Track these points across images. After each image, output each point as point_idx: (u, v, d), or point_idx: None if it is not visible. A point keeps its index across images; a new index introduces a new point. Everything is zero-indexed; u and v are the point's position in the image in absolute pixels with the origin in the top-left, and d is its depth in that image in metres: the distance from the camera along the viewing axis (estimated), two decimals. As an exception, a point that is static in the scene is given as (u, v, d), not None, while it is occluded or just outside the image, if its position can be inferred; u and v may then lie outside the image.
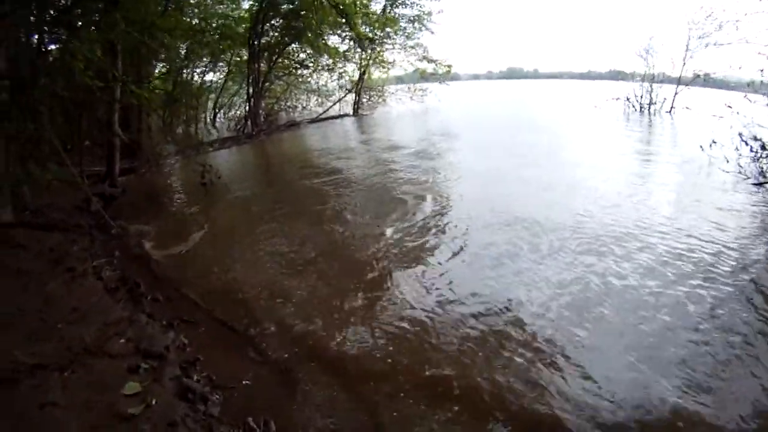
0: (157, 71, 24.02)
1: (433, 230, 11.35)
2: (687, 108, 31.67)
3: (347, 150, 23.66)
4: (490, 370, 6.75)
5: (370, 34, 32.80)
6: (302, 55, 32.65)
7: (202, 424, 5.90)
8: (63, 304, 8.48)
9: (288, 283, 9.57)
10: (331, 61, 34.38)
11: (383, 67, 38.51)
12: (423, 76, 41.43)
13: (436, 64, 38.75)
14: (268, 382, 6.92)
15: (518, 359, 6.93)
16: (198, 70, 27.76)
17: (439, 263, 9.53)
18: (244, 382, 6.88)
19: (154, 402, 6.04)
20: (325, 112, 35.97)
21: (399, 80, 44.89)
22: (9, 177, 11.55)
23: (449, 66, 39.36)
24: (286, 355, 7.50)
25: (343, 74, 36.89)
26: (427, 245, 10.49)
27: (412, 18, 36.29)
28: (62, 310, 8.25)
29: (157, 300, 9.12)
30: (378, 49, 36.54)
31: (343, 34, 32.38)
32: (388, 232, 11.51)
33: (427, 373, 6.88)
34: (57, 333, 7.50)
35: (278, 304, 8.91)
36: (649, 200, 12.97)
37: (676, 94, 33.33)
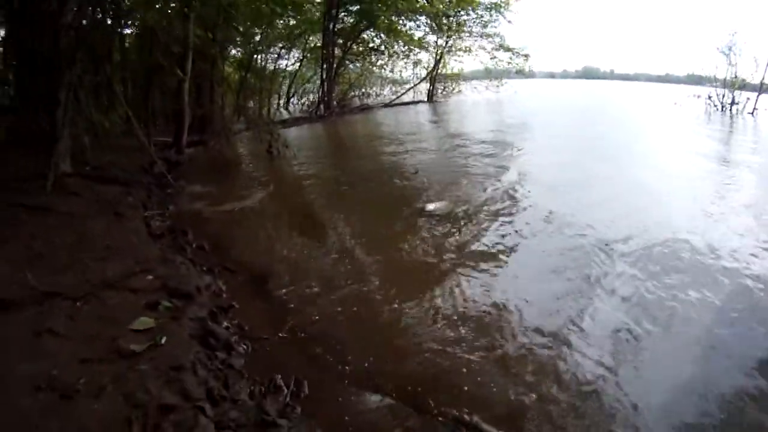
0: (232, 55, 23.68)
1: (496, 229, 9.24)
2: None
3: (418, 132, 22.44)
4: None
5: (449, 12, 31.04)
6: (377, 41, 31.68)
7: (215, 373, 4.68)
8: (98, 242, 7.67)
9: (336, 254, 8.30)
10: (405, 47, 32.82)
11: (459, 56, 36.22)
12: (499, 71, 39.50)
13: (513, 53, 36.07)
14: (305, 340, 5.71)
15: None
16: (272, 57, 26.79)
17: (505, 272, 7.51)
18: (279, 335, 5.52)
19: (163, 341, 4.87)
20: (398, 97, 34.73)
21: (474, 75, 42.33)
22: (69, 123, 10.88)
23: (526, 56, 36.62)
24: (328, 315, 6.29)
25: (418, 62, 35.17)
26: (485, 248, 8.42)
27: (489, 5, 34.04)
28: (95, 247, 7.44)
29: (203, 248, 8.23)
30: (454, 35, 34.40)
31: (418, 22, 30.89)
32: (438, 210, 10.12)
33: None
34: (82, 266, 6.64)
35: (323, 267, 7.79)
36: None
37: (759, 94, 30.30)
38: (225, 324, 5.73)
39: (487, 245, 8.38)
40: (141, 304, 5.66)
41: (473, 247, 8.33)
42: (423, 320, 6.07)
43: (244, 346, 5.34)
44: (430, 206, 10.35)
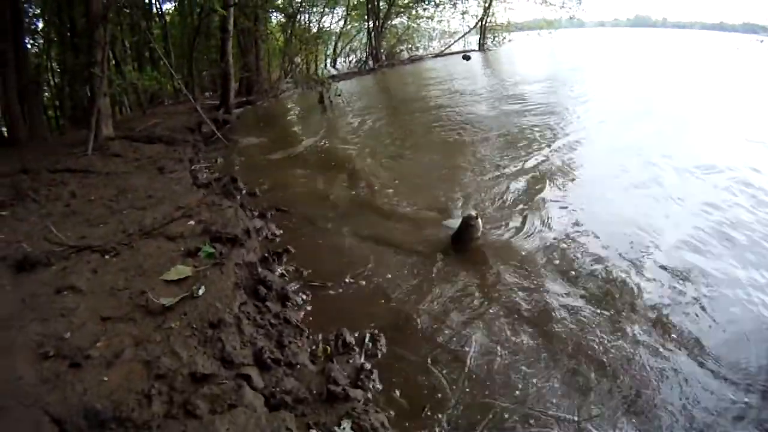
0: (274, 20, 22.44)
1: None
2: None
3: (468, 78, 20.41)
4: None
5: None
6: (422, -10, 29.37)
7: (266, 331, 3.41)
8: (138, 194, 6.71)
9: (393, 196, 6.93)
10: (454, -6, 30.53)
11: (509, 2, 33.20)
12: (548, 20, 36.54)
13: None
14: (377, 286, 4.42)
15: None
16: (314, 18, 25.13)
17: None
18: (346, 280, 4.21)
19: (201, 292, 3.62)
20: (448, 47, 32.59)
21: (525, 25, 39.11)
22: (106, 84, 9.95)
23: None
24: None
25: (466, 12, 32.56)
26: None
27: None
28: (136, 198, 6.53)
29: (253, 194, 7.15)
30: None
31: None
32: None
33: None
34: (119, 217, 5.72)
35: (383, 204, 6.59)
36: None
37: None
38: (279, 270, 4.52)
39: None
40: (179, 252, 4.55)
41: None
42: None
43: (303, 296, 4.12)
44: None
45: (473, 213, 4.94)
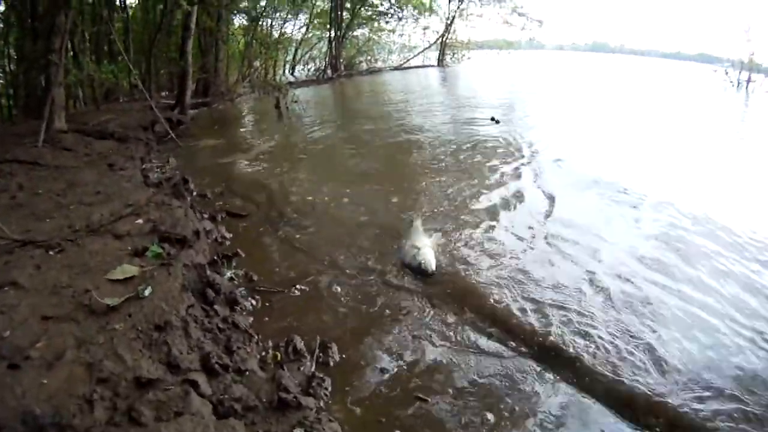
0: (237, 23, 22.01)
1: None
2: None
3: (425, 91, 21.05)
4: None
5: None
6: (385, 4, 29.76)
7: (214, 335, 3.27)
8: (87, 190, 6.42)
9: (343, 195, 7.07)
10: (415, 11, 30.69)
11: (470, 21, 33.49)
12: (509, 41, 37.20)
13: (527, 19, 33.64)
14: (329, 292, 4.37)
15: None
16: (277, 23, 24.86)
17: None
18: (298, 288, 4.14)
19: (147, 292, 3.45)
20: (407, 61, 32.83)
21: (485, 44, 39.55)
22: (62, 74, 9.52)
23: (540, 22, 34.11)
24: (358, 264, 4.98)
25: (427, 27, 32.87)
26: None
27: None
28: (84, 193, 6.25)
29: (204, 196, 7.02)
30: None
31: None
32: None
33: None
34: (66, 212, 5.47)
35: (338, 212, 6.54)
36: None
37: None
38: (228, 274, 4.40)
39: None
40: (126, 251, 4.36)
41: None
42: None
43: (253, 301, 4.04)
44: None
45: (429, 266, 4.70)
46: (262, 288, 4.26)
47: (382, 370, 3.34)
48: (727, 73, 28.22)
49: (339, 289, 4.38)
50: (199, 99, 15.89)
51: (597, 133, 11.72)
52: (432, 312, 4.12)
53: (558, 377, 3.36)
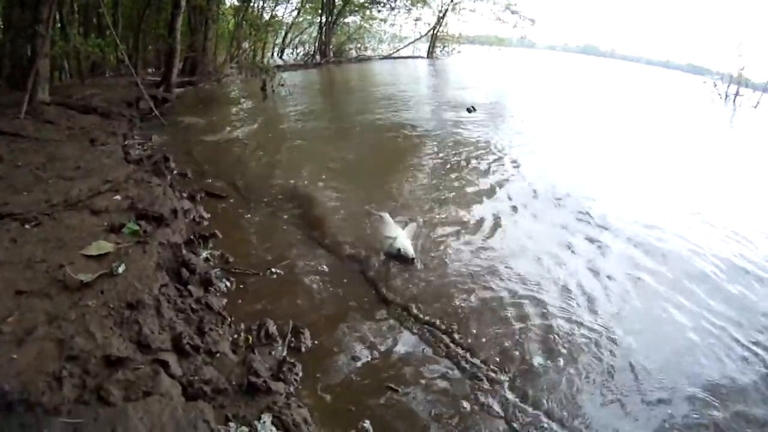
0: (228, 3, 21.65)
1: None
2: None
3: (413, 82, 20.90)
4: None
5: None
6: (378, -9, 29.43)
7: (187, 316, 3.27)
8: (67, 164, 6.31)
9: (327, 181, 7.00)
10: (408, 2, 30.46)
11: (462, 15, 33.14)
12: (500, 38, 37.15)
13: (520, 17, 33.54)
14: (304, 277, 4.34)
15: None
16: (268, 5, 24.51)
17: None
18: (273, 271, 4.12)
19: (120, 269, 3.40)
20: (397, 51, 32.78)
21: (475, 39, 39.28)
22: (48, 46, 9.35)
23: (532, 20, 33.89)
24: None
25: (419, 19, 32.60)
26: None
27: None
28: (64, 167, 6.14)
29: (184, 175, 6.89)
30: None
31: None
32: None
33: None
34: (45, 186, 5.36)
35: (319, 195, 6.47)
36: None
37: (764, 91, 28.41)
38: (204, 255, 4.36)
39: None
40: (102, 227, 4.30)
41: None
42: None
43: (227, 283, 4.00)
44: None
45: (409, 252, 4.69)
46: (237, 270, 4.22)
47: (354, 358, 3.33)
48: (715, 86, 28.39)
49: (315, 274, 4.36)
50: (185, 78, 15.61)
51: (579, 141, 11.55)
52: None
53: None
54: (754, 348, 3.92)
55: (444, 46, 34.19)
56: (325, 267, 4.51)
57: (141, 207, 4.71)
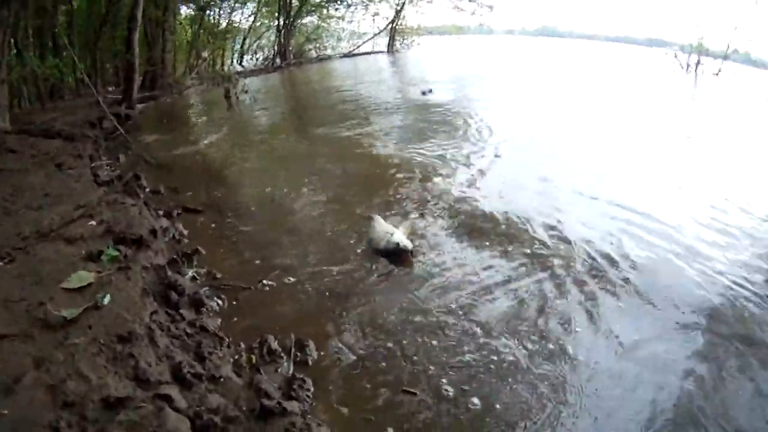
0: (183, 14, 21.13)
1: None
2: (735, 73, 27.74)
3: (375, 76, 20.80)
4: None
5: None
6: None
7: (183, 342, 3.01)
8: (36, 192, 6.00)
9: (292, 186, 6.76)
10: (366, -3, 30.09)
11: (420, 7, 32.70)
12: (458, 26, 36.97)
13: (477, 4, 33.32)
14: (300, 288, 4.13)
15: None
16: (224, 12, 23.98)
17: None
18: (264, 283, 3.91)
19: (106, 300, 3.14)
20: (357, 48, 31.91)
21: (435, 30, 38.99)
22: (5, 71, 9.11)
23: (490, 6, 33.30)
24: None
25: (377, 14, 32.16)
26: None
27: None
28: (32, 196, 5.80)
29: (158, 192, 6.59)
30: None
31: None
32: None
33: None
34: (14, 218, 5.05)
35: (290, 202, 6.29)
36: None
37: (724, 58, 28.88)
38: (190, 273, 4.13)
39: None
40: (80, 256, 4.02)
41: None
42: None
43: (219, 300, 3.78)
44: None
45: (407, 244, 4.54)
46: (226, 286, 4.01)
47: (365, 365, 3.16)
48: (676, 57, 28.74)
49: (308, 282, 4.16)
50: (146, 92, 15.07)
51: (543, 117, 11.63)
52: (409, 297, 3.97)
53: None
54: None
55: (403, 39, 33.90)
56: (316, 273, 4.31)
57: (118, 230, 4.43)
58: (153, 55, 16.13)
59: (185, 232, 5.13)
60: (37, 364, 2.72)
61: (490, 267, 4.47)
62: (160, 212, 5.56)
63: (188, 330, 3.20)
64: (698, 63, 27.54)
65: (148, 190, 6.57)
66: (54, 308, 3.11)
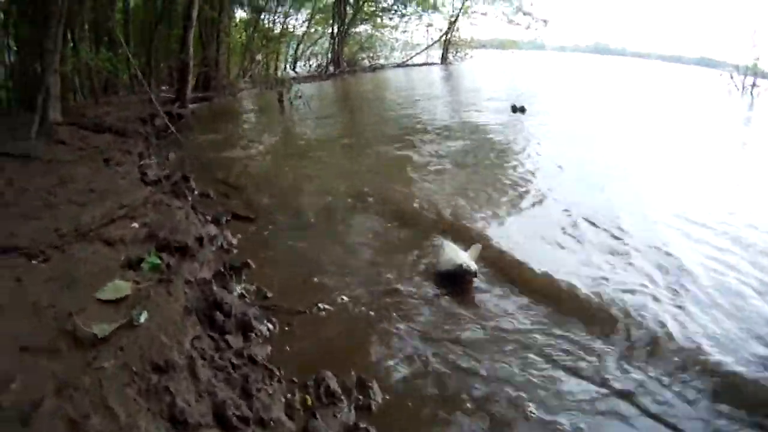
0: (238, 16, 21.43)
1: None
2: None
3: (429, 88, 20.30)
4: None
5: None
6: (389, 0, 29.53)
7: (226, 373, 2.58)
8: (80, 186, 5.77)
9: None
10: (419, 7, 30.33)
11: (474, 19, 32.88)
12: (511, 40, 36.68)
13: (532, 18, 32.87)
14: (361, 314, 3.64)
15: None
16: (279, 17, 24.20)
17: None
18: (321, 307, 3.45)
19: (142, 318, 2.74)
20: (410, 59, 32.12)
21: (487, 43, 38.65)
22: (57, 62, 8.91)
23: (545, 21, 33.29)
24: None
25: (430, 25, 32.34)
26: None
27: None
28: (76, 191, 5.59)
29: (207, 195, 6.26)
30: None
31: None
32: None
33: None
34: (55, 213, 4.81)
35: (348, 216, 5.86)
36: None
37: None
38: (238, 290, 3.68)
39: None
40: (118, 261, 3.65)
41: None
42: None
43: (270, 324, 3.31)
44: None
45: (472, 265, 4.06)
46: (278, 307, 3.56)
47: (436, 413, 2.66)
48: (732, 78, 27.66)
49: (370, 308, 3.67)
50: (199, 93, 15.14)
51: (603, 136, 11.03)
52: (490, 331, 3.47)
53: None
54: None
55: (456, 52, 33.63)
56: (379, 297, 3.83)
57: (161, 235, 4.08)
58: (207, 56, 16.18)
59: (234, 242, 4.74)
60: (59, 389, 2.33)
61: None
62: (208, 217, 5.21)
63: (234, 361, 2.76)
64: (754, 85, 26.45)
65: (196, 192, 6.29)
66: (84, 323, 2.73)
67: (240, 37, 21.08)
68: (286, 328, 3.35)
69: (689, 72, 39.67)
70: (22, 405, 2.22)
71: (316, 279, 4.09)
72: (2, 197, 5.32)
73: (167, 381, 2.38)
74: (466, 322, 3.57)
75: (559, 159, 8.43)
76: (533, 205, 6.27)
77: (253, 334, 3.13)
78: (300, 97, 14.14)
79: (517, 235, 5.18)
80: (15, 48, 12.59)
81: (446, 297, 3.92)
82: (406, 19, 31.17)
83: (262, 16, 21.63)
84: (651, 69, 42.99)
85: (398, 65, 30.67)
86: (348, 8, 26.11)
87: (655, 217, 5.86)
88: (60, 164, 6.84)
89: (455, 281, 4.04)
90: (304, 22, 26.58)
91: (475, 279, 4.04)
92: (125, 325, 2.78)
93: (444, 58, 32.95)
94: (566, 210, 5.95)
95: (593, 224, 5.46)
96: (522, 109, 13.11)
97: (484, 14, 32.62)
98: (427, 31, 32.87)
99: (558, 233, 5.29)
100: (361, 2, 26.94)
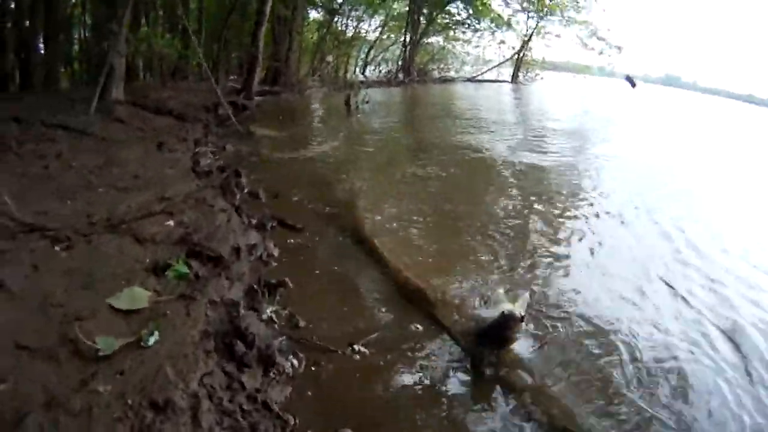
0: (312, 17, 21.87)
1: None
2: None
3: (497, 107, 19.80)
4: None
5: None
6: (462, 14, 28.95)
7: (232, 421, 2.22)
8: (126, 170, 5.67)
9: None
10: (492, 23, 29.88)
11: (548, 40, 32.01)
12: (582, 65, 35.92)
13: (606, 44, 31.86)
14: (403, 366, 3.17)
15: None
16: (352, 20, 24.48)
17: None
18: (356, 349, 3.04)
19: (152, 340, 2.39)
20: (481, 74, 31.76)
21: (558, 66, 37.82)
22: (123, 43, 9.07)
23: (619, 47, 32.17)
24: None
25: (503, 42, 31.80)
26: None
27: (584, -14, 29.94)
28: (120, 175, 5.48)
29: (256, 195, 5.93)
30: (545, 14, 30.40)
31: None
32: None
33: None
34: (92, 196, 4.68)
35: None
36: None
37: None
38: (268, 312, 3.32)
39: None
40: (143, 263, 3.36)
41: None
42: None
43: (295, 361, 2.91)
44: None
45: (516, 310, 3.47)
46: (308, 341, 3.17)
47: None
48: None
49: (414, 357, 3.22)
50: (267, 87, 15.25)
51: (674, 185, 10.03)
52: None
53: None
54: None
55: (527, 71, 33.11)
56: (426, 345, 3.37)
57: (196, 240, 3.78)
58: (278, 51, 16.37)
59: (275, 253, 4.35)
60: (47, 404, 2.09)
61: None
62: (253, 221, 4.89)
63: (245, 405, 2.38)
64: None
65: (246, 191, 5.99)
66: (89, 335, 2.44)
67: (312, 37, 21.44)
68: (313, 368, 2.92)
69: (762, 114, 37.60)
70: (6, 413, 2.01)
71: (358, 312, 3.64)
72: (46, 170, 5.29)
73: (162, 423, 2.04)
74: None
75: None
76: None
77: (275, 371, 2.74)
78: (367, 102, 14.08)
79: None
80: (90, 24, 13.05)
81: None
82: (478, 34, 30.84)
83: (335, 19, 21.90)
84: (722, 107, 41.09)
85: (468, 79, 30.43)
86: (422, 18, 26.09)
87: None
88: (112, 143, 6.84)
89: (501, 331, 3.49)
90: (376, 28, 26.85)
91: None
92: (132, 344, 2.47)
93: (514, 77, 32.45)
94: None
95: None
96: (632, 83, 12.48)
97: (558, 36, 31.84)
98: (499, 47, 32.34)
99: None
100: (434, 14, 26.76)
